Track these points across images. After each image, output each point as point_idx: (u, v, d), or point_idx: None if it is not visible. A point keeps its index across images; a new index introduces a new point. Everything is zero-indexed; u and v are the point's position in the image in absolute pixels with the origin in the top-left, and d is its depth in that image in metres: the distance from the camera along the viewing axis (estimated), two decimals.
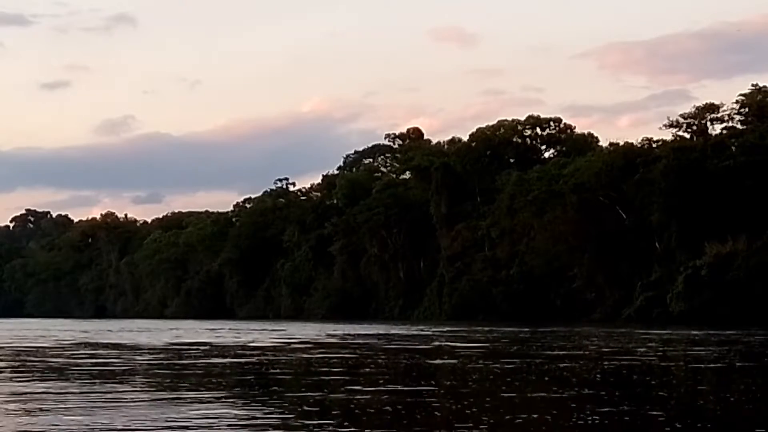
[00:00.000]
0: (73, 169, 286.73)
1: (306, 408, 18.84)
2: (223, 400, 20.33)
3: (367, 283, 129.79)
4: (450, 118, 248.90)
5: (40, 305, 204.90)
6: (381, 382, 25.11)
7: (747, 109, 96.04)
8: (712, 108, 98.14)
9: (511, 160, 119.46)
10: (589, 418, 17.11)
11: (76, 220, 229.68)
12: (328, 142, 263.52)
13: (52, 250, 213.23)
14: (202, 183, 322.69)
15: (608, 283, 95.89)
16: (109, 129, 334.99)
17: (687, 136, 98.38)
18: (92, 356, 37.73)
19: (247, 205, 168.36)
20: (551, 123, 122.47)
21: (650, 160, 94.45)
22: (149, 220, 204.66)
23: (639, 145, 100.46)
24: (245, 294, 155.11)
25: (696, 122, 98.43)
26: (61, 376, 26.74)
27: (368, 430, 15.80)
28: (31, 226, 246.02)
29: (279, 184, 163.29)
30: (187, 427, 16.05)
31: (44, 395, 21.09)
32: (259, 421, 16.72)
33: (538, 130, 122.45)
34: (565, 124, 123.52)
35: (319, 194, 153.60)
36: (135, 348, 44.49)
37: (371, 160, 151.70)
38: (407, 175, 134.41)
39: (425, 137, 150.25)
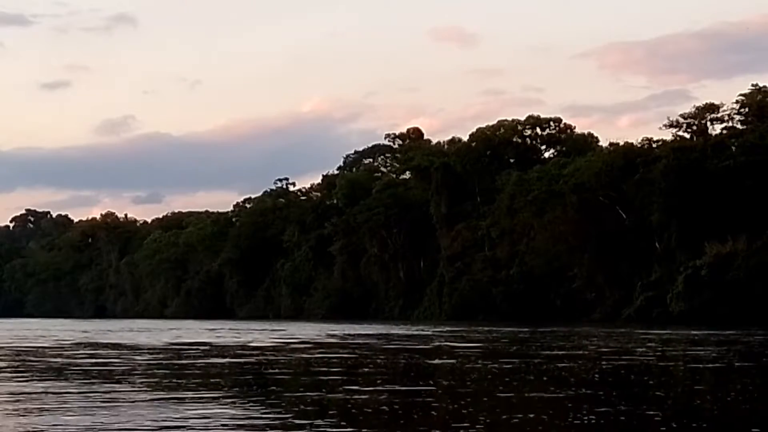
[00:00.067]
0: (73, 169, 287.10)
1: (304, 408, 18.90)
2: (222, 399, 20.40)
3: (367, 283, 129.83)
4: (450, 118, 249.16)
5: (40, 305, 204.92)
6: (379, 382, 25.17)
7: (747, 109, 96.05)
8: (712, 108, 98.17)
9: (511, 160, 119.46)
10: (586, 417, 17.18)
11: (76, 220, 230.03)
12: (328, 142, 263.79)
13: (52, 250, 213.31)
14: (202, 183, 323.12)
15: (608, 283, 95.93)
16: (109, 129, 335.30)
17: (687, 136, 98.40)
18: (92, 356, 37.81)
19: (247, 205, 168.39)
20: (551, 123, 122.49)
21: (650, 160, 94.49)
22: (149, 220, 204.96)
23: (639, 145, 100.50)
24: (245, 294, 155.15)
25: (696, 122, 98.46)
26: (61, 376, 26.81)
27: (365, 430, 15.87)
28: (31, 226, 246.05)
29: (279, 184, 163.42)
30: (185, 427, 16.11)
31: (44, 395, 21.16)
32: (256, 421, 16.79)
33: (538, 130, 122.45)
34: (565, 124, 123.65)
35: (319, 194, 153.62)
36: (135, 348, 44.55)
37: (371, 160, 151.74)
38: (407, 175, 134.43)
39: (425, 137, 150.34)
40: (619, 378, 26.76)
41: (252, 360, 35.14)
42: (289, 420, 17.09)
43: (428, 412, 18.52)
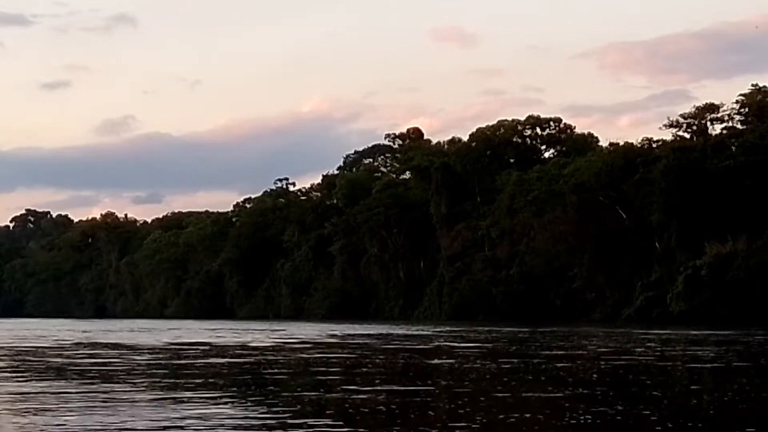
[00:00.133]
0: (73, 169, 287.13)
1: (301, 407, 18.97)
2: (221, 399, 20.47)
3: (367, 283, 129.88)
4: (450, 118, 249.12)
5: (40, 305, 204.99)
6: (377, 382, 25.23)
7: (747, 109, 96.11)
8: (712, 108, 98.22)
9: (511, 160, 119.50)
10: (581, 417, 17.24)
11: (76, 220, 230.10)
12: (328, 142, 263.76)
13: (52, 250, 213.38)
14: (202, 183, 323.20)
15: (608, 283, 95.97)
16: (109, 129, 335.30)
17: (687, 136, 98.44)
18: (92, 356, 37.87)
19: (247, 205, 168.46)
20: (551, 123, 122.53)
21: (650, 160, 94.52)
22: (149, 220, 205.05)
23: (639, 145, 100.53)
24: (245, 294, 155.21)
25: (696, 122, 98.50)
26: (61, 376, 26.88)
27: (362, 430, 15.93)
28: (31, 226, 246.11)
29: (279, 184, 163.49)
30: (184, 427, 16.18)
31: (43, 395, 21.22)
32: (254, 421, 16.86)
33: (538, 130, 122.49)
34: (565, 124, 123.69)
35: (319, 194, 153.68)
36: (134, 348, 44.61)
37: (371, 160, 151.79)
38: (407, 175, 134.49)
39: (425, 137, 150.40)
40: (616, 378, 26.81)
41: (251, 360, 35.21)
42: (287, 420, 17.14)
43: (425, 412, 18.59)
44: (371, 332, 65.97)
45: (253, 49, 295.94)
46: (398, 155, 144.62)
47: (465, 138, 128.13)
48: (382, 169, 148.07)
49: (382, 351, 41.11)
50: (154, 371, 29.28)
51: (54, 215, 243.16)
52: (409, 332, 66.27)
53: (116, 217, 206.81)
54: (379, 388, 23.10)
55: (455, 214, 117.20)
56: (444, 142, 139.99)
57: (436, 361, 34.78)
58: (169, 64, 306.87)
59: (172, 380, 25.80)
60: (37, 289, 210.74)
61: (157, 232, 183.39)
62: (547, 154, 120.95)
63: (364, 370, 30.03)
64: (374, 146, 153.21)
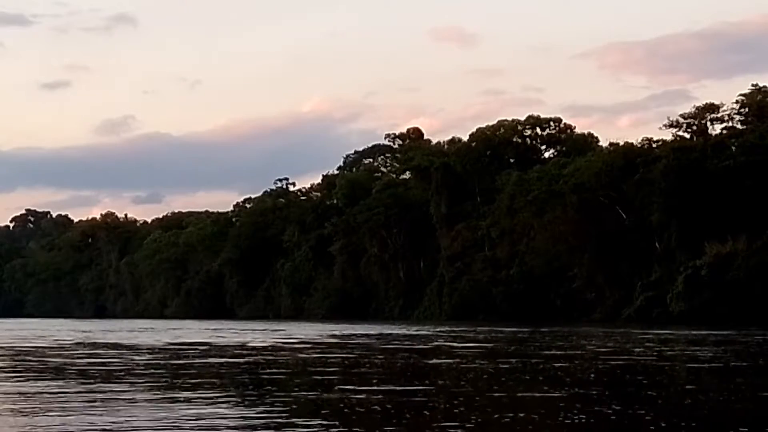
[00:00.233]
0: (73, 169, 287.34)
1: (298, 407, 19.05)
2: (219, 399, 20.54)
3: (367, 283, 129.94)
4: (450, 118, 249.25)
5: (40, 305, 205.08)
6: (375, 381, 25.30)
7: (747, 109, 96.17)
8: (712, 108, 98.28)
9: (511, 160, 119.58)
10: (576, 417, 17.32)
11: (76, 220, 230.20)
12: (328, 142, 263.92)
13: (52, 250, 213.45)
14: (202, 183, 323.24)
15: (608, 283, 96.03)
16: (109, 129, 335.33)
17: (687, 136, 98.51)
18: (91, 356, 37.93)
19: (247, 205, 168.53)
20: (551, 123, 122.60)
21: (650, 160, 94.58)
22: (149, 220, 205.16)
23: (639, 145, 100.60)
24: (245, 294, 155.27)
25: (696, 122, 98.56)
26: (60, 376, 26.95)
27: (357, 429, 16.01)
28: (31, 226, 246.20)
29: (279, 184, 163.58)
30: (182, 427, 16.26)
31: (43, 395, 21.29)
32: (252, 421, 16.94)
33: (538, 130, 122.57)
34: (565, 124, 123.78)
35: (319, 194, 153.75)
36: (134, 348, 44.67)
37: (371, 160, 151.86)
38: (407, 175, 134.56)
39: (425, 137, 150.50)
40: (614, 378, 26.89)
41: (250, 360, 35.28)
42: (284, 419, 17.22)
43: (421, 412, 18.65)
44: (371, 332, 66.03)
45: (253, 49, 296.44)
46: (398, 155, 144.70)
47: (465, 138, 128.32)
48: (382, 169, 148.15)
49: (381, 351, 41.18)
50: (154, 371, 29.35)
51: (54, 215, 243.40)
52: (409, 332, 66.32)
53: (116, 217, 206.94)
54: (376, 388, 23.18)
55: (455, 214, 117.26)
56: (444, 142, 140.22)
57: (434, 361, 34.85)
58: (169, 64, 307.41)
59: (171, 380, 25.87)
60: (37, 289, 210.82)
61: (157, 232, 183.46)
62: (547, 154, 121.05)
63: (363, 370, 30.09)
64: (374, 146, 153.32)
